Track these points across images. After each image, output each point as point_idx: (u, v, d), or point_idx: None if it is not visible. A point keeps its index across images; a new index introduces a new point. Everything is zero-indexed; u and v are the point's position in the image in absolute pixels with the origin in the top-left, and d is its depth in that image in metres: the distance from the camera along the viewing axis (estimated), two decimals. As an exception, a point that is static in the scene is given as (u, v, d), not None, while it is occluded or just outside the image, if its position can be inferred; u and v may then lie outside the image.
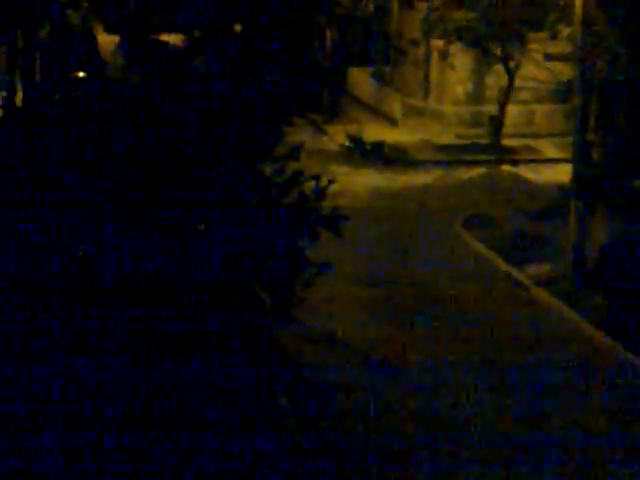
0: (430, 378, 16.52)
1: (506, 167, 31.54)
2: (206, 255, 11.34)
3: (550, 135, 33.93)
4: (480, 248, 23.51)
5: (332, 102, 37.20)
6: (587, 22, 20.74)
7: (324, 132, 34.84)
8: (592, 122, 23.30)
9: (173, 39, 11.98)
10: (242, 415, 11.78)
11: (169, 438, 11.10)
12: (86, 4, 12.18)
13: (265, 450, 12.05)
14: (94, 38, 11.97)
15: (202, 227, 11.38)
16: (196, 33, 11.99)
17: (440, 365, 17.04)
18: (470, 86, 36.40)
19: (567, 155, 24.69)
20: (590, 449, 14.50)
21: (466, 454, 14.26)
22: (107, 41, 11.84)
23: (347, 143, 32.82)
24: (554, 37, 31.54)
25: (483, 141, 33.59)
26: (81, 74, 11.67)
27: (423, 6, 34.63)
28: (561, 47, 31.77)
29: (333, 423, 15.04)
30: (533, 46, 33.14)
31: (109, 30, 11.93)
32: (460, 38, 33.07)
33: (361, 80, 41.40)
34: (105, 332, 10.91)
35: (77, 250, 10.80)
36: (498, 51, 32.90)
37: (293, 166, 12.64)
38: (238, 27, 12.21)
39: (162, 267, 11.14)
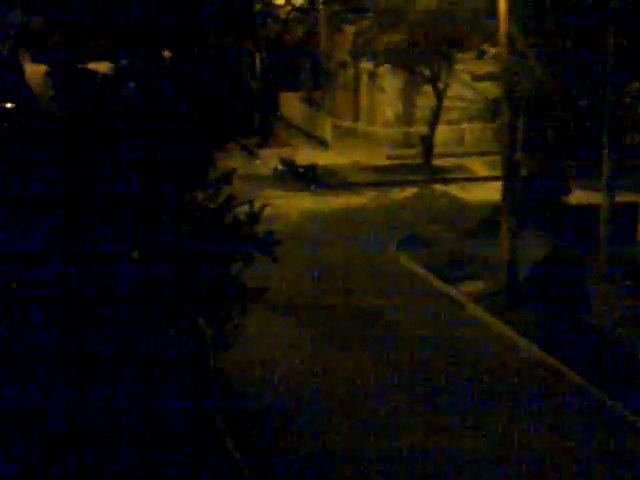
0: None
1: (438, 186, 31.87)
2: (139, 283, 11.28)
3: (480, 154, 34.40)
4: (415, 268, 23.67)
5: (264, 126, 37.31)
6: (511, 42, 21.12)
7: (256, 156, 34.86)
8: (520, 140, 23.69)
9: (101, 67, 11.93)
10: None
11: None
12: (13, 33, 12.06)
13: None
14: (21, 68, 11.86)
15: (135, 254, 11.32)
16: (124, 60, 11.95)
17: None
18: (400, 107, 36.77)
19: (497, 173, 25.04)
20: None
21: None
22: (34, 71, 11.75)
23: (280, 167, 32.91)
24: (480, 57, 32.04)
25: (414, 161, 33.92)
26: (8, 105, 11.57)
27: (351, 29, 34.93)
28: (487, 67, 32.31)
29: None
30: (460, 66, 33.63)
31: (36, 59, 11.83)
32: (388, 60, 33.43)
33: (292, 104, 41.58)
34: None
35: None
36: (426, 72, 33.31)
37: (226, 191, 12.63)
38: (167, 53, 12.19)
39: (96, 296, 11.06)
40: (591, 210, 23.01)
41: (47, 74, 11.72)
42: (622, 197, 23.08)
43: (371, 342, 19.07)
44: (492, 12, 21.91)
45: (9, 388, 10.85)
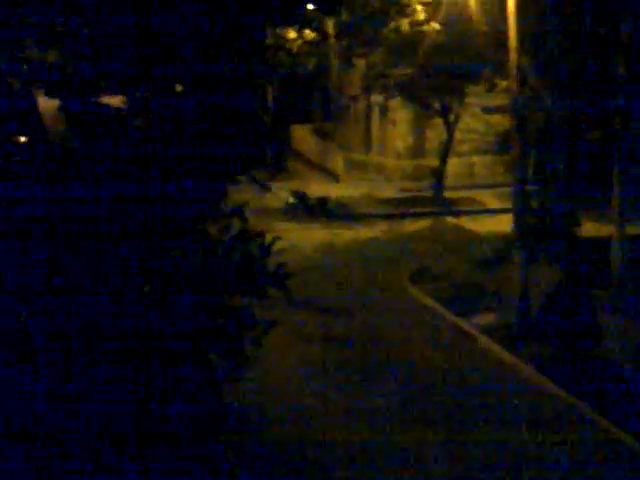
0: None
1: (449, 219, 31.88)
2: (152, 316, 11.30)
3: (490, 186, 34.45)
4: (427, 301, 23.64)
5: (275, 159, 37.45)
6: (522, 76, 21.19)
7: (268, 189, 34.91)
8: (530, 172, 23.73)
9: (114, 101, 12.02)
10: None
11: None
12: (26, 68, 12.18)
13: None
14: (34, 102, 11.96)
15: (147, 289, 11.36)
16: (137, 94, 12.04)
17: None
18: (411, 140, 36.89)
19: (508, 205, 25.05)
20: None
21: None
22: (48, 105, 11.85)
23: (291, 199, 32.99)
24: (491, 90, 32.16)
25: (426, 194, 33.96)
26: (22, 139, 11.66)
27: (362, 63, 35.12)
28: (498, 99, 32.40)
29: None
30: (471, 99, 33.75)
31: (49, 94, 11.94)
32: (399, 93, 33.57)
33: (304, 136, 41.77)
34: None
35: None
36: (437, 105, 33.42)
37: (238, 224, 12.67)
38: (179, 87, 12.29)
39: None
40: (603, 242, 22.96)
41: (60, 108, 11.82)
42: (636, 229, 23.08)
43: (379, 374, 19.00)
44: (502, 45, 21.97)
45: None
